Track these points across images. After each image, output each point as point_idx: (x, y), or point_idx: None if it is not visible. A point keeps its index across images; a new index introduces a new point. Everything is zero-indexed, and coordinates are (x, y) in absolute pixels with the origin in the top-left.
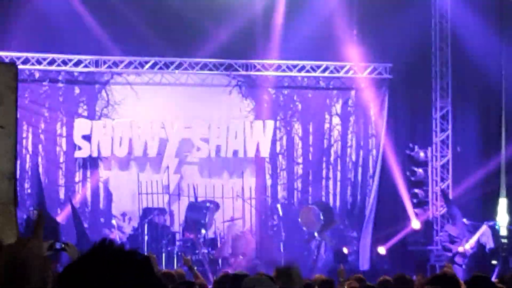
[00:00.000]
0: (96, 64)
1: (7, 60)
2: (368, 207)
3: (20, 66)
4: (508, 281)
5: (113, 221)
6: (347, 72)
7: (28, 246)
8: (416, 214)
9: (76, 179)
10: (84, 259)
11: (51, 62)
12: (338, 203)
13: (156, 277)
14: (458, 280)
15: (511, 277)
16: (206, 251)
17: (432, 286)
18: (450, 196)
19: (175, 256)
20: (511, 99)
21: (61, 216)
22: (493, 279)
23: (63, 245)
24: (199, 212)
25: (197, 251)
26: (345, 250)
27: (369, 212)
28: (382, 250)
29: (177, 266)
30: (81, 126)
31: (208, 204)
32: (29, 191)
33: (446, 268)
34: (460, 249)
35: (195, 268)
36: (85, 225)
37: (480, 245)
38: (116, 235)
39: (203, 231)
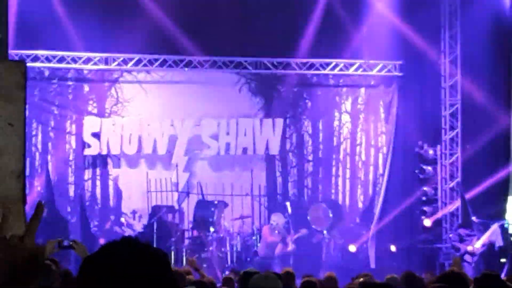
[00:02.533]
0: (106, 61)
1: (16, 58)
2: (377, 205)
3: (30, 64)
4: None
5: (122, 219)
6: (356, 69)
7: (18, 245)
8: (426, 212)
9: (86, 177)
10: (105, 250)
11: (61, 60)
12: (347, 201)
13: (174, 276)
14: (466, 278)
15: None
16: (214, 249)
17: (440, 284)
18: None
19: (184, 254)
20: None
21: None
22: (502, 277)
23: (71, 243)
24: (207, 210)
25: (205, 249)
26: (352, 249)
27: (378, 210)
28: (393, 247)
29: (186, 264)
30: (90, 123)
31: (216, 202)
32: (38, 188)
33: (455, 262)
34: (470, 248)
35: (204, 265)
36: (95, 223)
37: (489, 244)
38: (125, 233)
39: (211, 229)
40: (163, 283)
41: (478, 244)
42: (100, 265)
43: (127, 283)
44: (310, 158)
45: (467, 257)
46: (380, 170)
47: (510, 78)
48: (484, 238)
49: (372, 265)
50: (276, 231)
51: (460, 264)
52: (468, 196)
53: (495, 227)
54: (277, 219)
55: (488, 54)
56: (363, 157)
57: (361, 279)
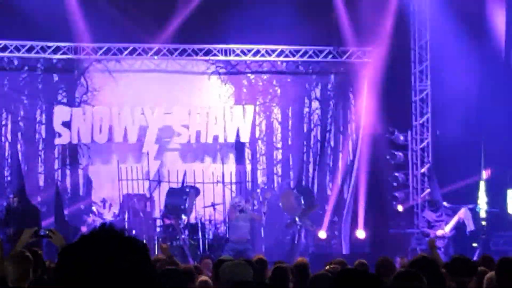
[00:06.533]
0: (75, 51)
1: None
2: (348, 191)
3: None
4: (488, 263)
5: (94, 208)
6: (326, 56)
7: None
8: (397, 198)
9: (56, 166)
10: (83, 240)
11: (30, 49)
12: (317, 188)
13: (152, 265)
14: (437, 263)
15: (491, 258)
16: (186, 236)
17: (411, 269)
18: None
19: (155, 242)
20: (488, 82)
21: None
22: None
23: (47, 232)
24: (179, 198)
25: (177, 237)
26: (322, 235)
27: (349, 196)
28: (361, 233)
29: (158, 252)
30: (60, 113)
31: (187, 190)
32: (9, 178)
33: (430, 244)
34: (439, 232)
35: (176, 253)
36: (65, 212)
37: (460, 228)
38: (96, 222)
39: (183, 216)
40: (142, 272)
41: (447, 228)
42: (79, 255)
43: (106, 273)
44: (280, 145)
45: (437, 242)
46: (350, 157)
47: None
48: (453, 223)
49: (345, 251)
50: (240, 207)
51: (434, 245)
52: (439, 181)
53: (463, 210)
54: (236, 199)
55: (458, 38)
56: (333, 144)
57: (333, 265)
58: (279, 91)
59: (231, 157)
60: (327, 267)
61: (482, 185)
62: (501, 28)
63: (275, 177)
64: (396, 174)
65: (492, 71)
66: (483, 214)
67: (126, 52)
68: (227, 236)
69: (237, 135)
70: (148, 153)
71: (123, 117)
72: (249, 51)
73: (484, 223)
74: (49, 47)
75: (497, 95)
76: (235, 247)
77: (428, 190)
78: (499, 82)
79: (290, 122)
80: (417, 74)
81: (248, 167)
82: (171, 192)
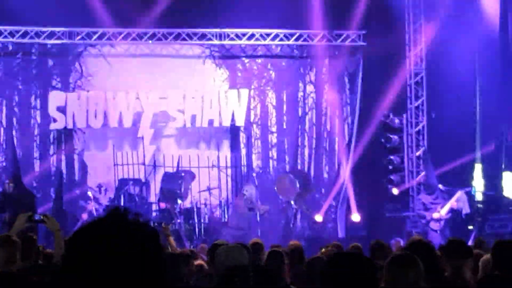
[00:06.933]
0: (70, 36)
1: None
2: (344, 175)
3: None
4: (483, 245)
5: (89, 193)
6: (320, 40)
7: None
8: (392, 181)
9: (51, 152)
10: (95, 224)
11: (24, 35)
12: (313, 172)
13: (162, 252)
14: (432, 246)
15: (483, 240)
16: (181, 221)
17: (406, 252)
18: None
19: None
20: (483, 72)
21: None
22: (469, 244)
23: (41, 217)
24: (174, 182)
25: (173, 221)
26: (318, 218)
27: (345, 180)
28: (356, 217)
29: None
30: (55, 98)
31: (183, 174)
32: (4, 164)
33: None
34: (435, 215)
35: (172, 237)
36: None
37: (456, 211)
38: (92, 207)
39: (179, 201)
40: (153, 258)
41: (443, 211)
42: (87, 241)
43: (117, 259)
44: (274, 129)
45: (433, 225)
46: (346, 140)
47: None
48: (449, 205)
49: (340, 235)
50: (249, 201)
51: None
52: (434, 164)
53: (459, 194)
54: (250, 189)
55: (452, 21)
56: (328, 127)
57: (329, 248)
58: (273, 75)
59: (226, 141)
60: (323, 250)
61: (477, 168)
62: (496, 9)
63: (271, 161)
64: (392, 157)
65: (486, 53)
66: (479, 197)
67: (120, 37)
68: (224, 220)
69: (232, 119)
70: (143, 138)
71: (118, 102)
72: (244, 35)
73: (480, 206)
74: (43, 32)
75: (492, 77)
76: (234, 233)
77: (423, 173)
78: (494, 64)
79: (284, 106)
80: (412, 58)
81: (243, 151)
82: (167, 176)
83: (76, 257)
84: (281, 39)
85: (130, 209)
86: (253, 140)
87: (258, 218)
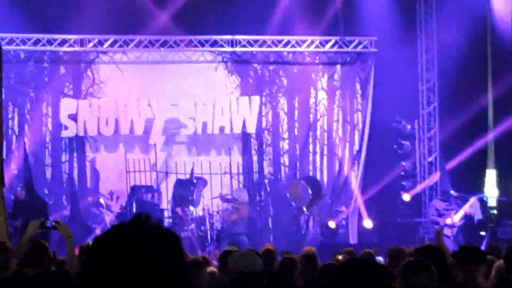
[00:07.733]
0: (81, 43)
1: None
2: (356, 181)
3: (5, 47)
4: (496, 250)
5: (101, 200)
6: (332, 46)
7: None
8: (404, 187)
9: (63, 159)
10: (118, 229)
11: (36, 42)
12: (325, 178)
13: (185, 259)
14: (443, 251)
15: (496, 245)
16: (194, 228)
17: (417, 257)
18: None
19: None
20: (497, 72)
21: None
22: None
23: (53, 224)
24: (187, 189)
25: (185, 228)
26: (332, 224)
27: (357, 186)
28: (368, 223)
29: None
30: (67, 105)
31: (195, 181)
32: (16, 171)
33: (437, 234)
34: (448, 221)
35: (184, 244)
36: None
37: (468, 217)
38: (104, 214)
39: (191, 207)
40: (174, 264)
41: (456, 218)
42: (109, 246)
43: (138, 265)
44: (286, 136)
45: (446, 231)
46: (357, 147)
47: (487, 50)
48: (463, 211)
49: (352, 241)
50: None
51: (441, 236)
52: (447, 169)
53: (473, 200)
54: (239, 193)
55: (464, 28)
56: (340, 134)
57: (343, 255)
58: (285, 81)
59: (238, 148)
60: (338, 256)
61: (490, 174)
62: (507, 14)
63: (282, 167)
64: (404, 163)
65: (498, 60)
66: (491, 203)
67: (132, 44)
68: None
69: (244, 126)
70: (155, 145)
71: (129, 109)
72: (256, 41)
73: (492, 211)
74: (55, 39)
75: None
76: (232, 238)
77: (435, 178)
78: (507, 70)
79: (296, 112)
80: (424, 64)
81: (255, 158)
82: (179, 183)
83: (100, 262)
84: (293, 46)
85: (151, 215)
86: (264, 146)
87: (270, 225)
